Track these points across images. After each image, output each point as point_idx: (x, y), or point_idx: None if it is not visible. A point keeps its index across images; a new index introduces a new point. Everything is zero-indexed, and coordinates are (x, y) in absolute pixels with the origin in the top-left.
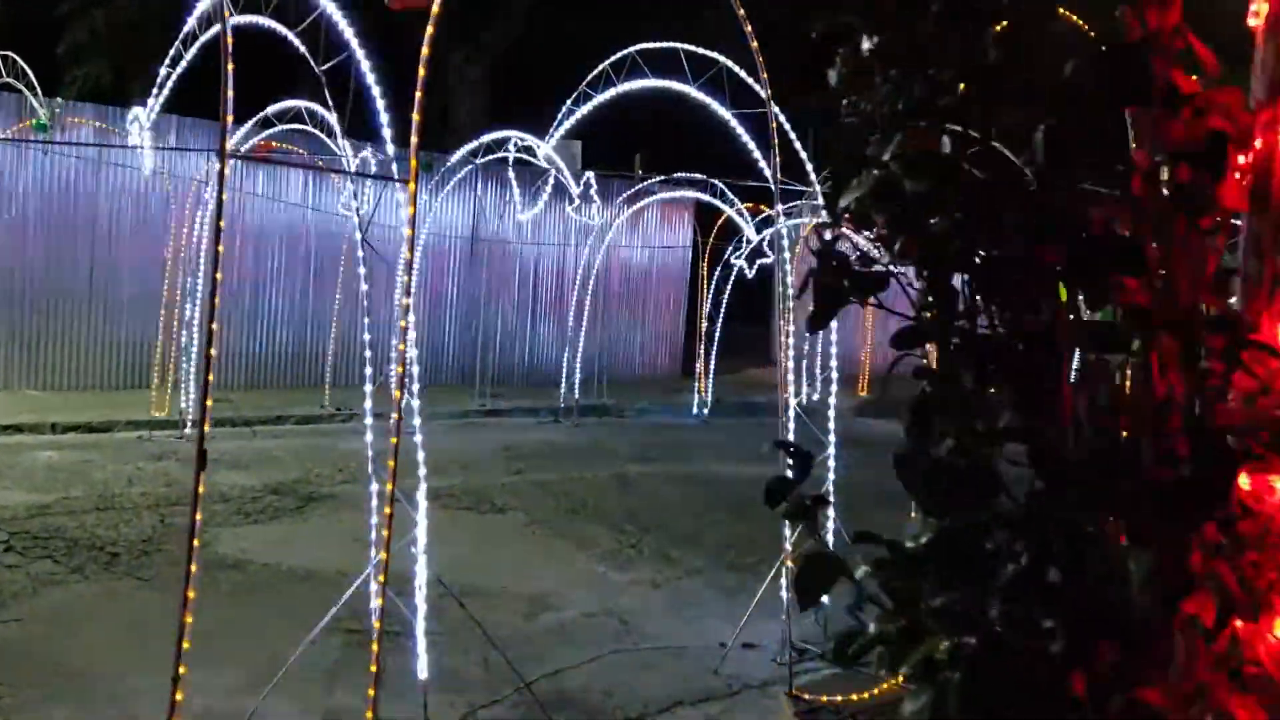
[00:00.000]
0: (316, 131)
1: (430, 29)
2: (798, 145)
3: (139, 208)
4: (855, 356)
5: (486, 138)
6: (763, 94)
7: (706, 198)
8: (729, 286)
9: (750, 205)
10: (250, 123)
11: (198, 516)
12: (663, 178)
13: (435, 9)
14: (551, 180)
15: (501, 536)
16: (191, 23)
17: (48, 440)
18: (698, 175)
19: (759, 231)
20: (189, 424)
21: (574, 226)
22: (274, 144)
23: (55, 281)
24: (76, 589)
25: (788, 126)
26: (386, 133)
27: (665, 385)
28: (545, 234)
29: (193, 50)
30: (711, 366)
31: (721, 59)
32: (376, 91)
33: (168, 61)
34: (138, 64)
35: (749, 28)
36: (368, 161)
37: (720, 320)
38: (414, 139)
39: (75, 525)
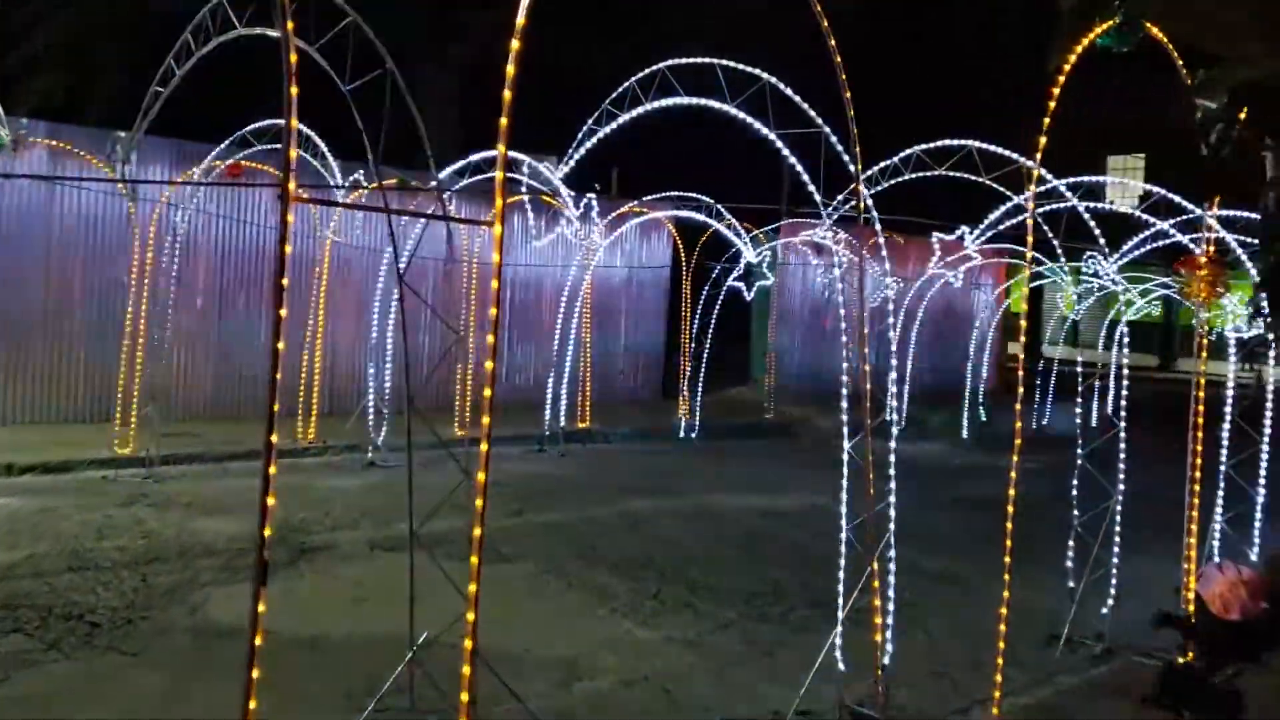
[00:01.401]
0: (302, 153)
1: (515, 43)
2: (851, 168)
3: (97, 229)
4: (836, 375)
5: (475, 156)
6: (816, 121)
7: (702, 217)
8: (717, 306)
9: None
10: (227, 141)
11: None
12: (652, 196)
13: (521, 20)
14: (576, 206)
15: (515, 590)
16: (185, 36)
17: (4, 484)
18: (692, 195)
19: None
20: (156, 462)
21: (554, 247)
22: (244, 164)
23: (6, 307)
24: (53, 670)
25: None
26: (431, 160)
27: (647, 407)
28: (520, 255)
29: (187, 65)
30: (699, 388)
31: (766, 76)
32: (417, 114)
33: (157, 80)
34: (95, 78)
35: (832, 41)
36: (352, 184)
37: (708, 341)
38: (499, 175)
39: (47, 590)
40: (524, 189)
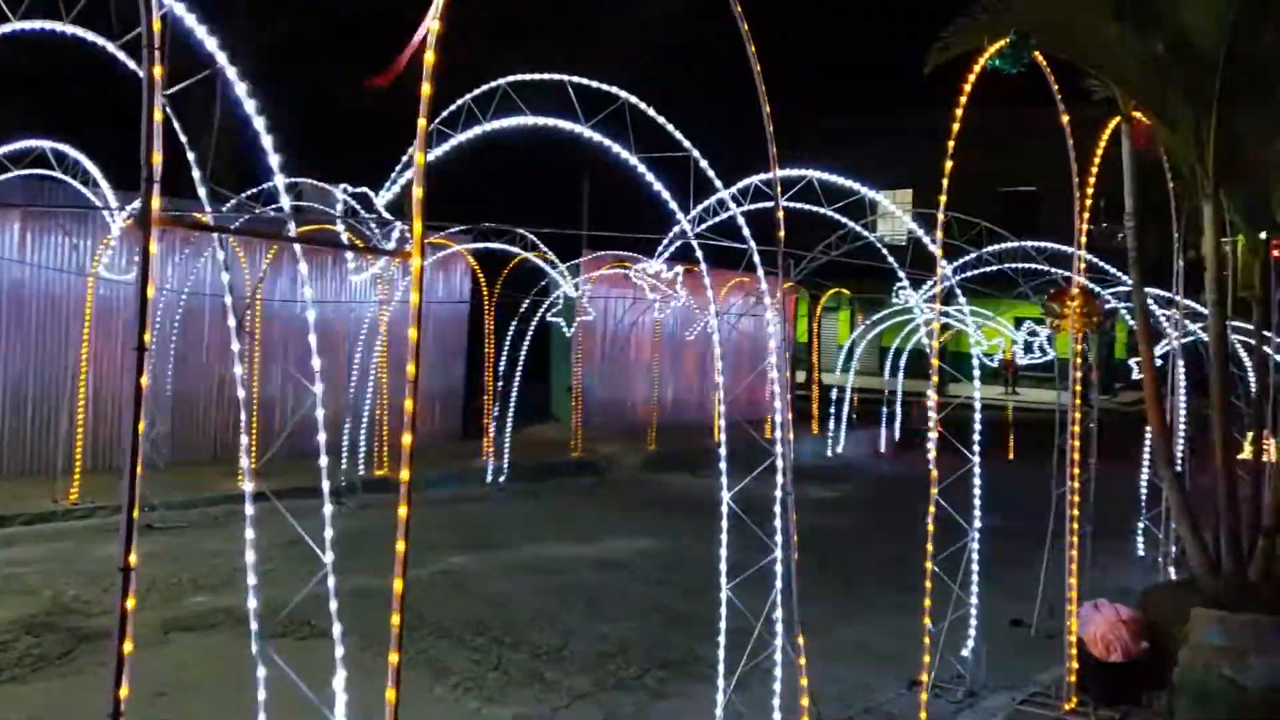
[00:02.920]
0: (68, 178)
1: (426, 87)
2: (727, 198)
3: None
4: (643, 409)
5: (267, 184)
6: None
7: (515, 248)
8: (526, 342)
9: (538, 254)
10: None
11: None
12: (455, 229)
13: (426, 91)
14: (397, 233)
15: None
16: None
17: None
18: (503, 226)
19: (553, 288)
20: None
21: (339, 283)
22: None
23: None
24: None
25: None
26: (280, 179)
27: (447, 450)
28: (300, 293)
29: None
30: (507, 428)
31: (624, 95)
32: (261, 124)
33: None
34: None
35: (752, 48)
36: (129, 211)
37: (517, 378)
38: (416, 209)
39: None
40: (339, 222)
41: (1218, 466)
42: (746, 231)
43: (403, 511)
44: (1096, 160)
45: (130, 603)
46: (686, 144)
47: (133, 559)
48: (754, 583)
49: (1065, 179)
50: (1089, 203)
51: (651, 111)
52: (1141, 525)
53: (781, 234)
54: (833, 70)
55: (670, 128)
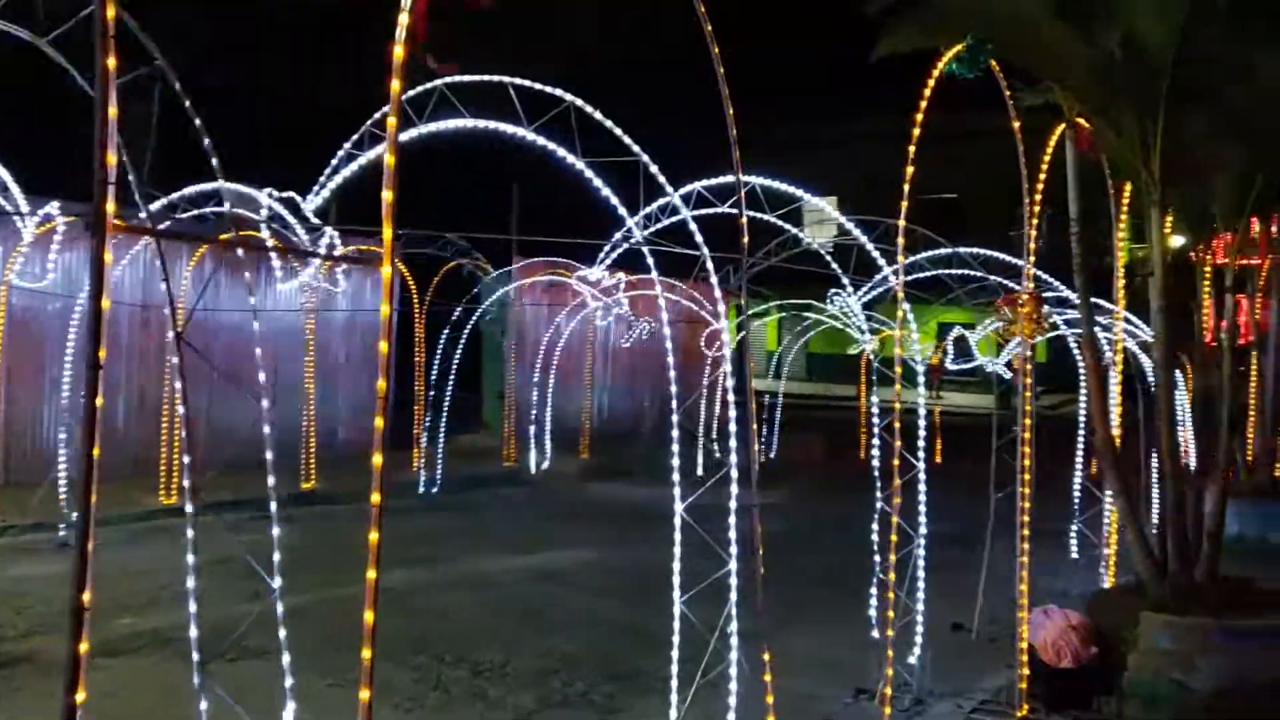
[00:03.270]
0: None
1: (396, 84)
2: (678, 201)
3: None
4: (576, 418)
5: (191, 189)
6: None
7: (446, 254)
8: (458, 350)
9: (470, 261)
10: None
11: None
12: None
13: (396, 88)
14: (329, 237)
15: (272, 691)
16: None
17: None
18: (438, 233)
19: (485, 294)
20: None
21: (271, 292)
22: None
23: None
24: None
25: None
26: (224, 185)
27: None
28: (227, 299)
29: None
30: (440, 438)
31: (569, 98)
32: (199, 123)
33: None
34: None
35: (716, 49)
36: (41, 216)
37: (450, 387)
38: (386, 212)
39: None
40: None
41: (1165, 471)
42: (700, 239)
43: (374, 537)
44: (1044, 167)
45: (83, 646)
46: (635, 148)
47: (86, 597)
48: (700, 592)
49: (989, 185)
50: (1036, 209)
51: (599, 115)
52: (1075, 528)
53: (746, 240)
54: (760, 78)
55: (619, 131)
